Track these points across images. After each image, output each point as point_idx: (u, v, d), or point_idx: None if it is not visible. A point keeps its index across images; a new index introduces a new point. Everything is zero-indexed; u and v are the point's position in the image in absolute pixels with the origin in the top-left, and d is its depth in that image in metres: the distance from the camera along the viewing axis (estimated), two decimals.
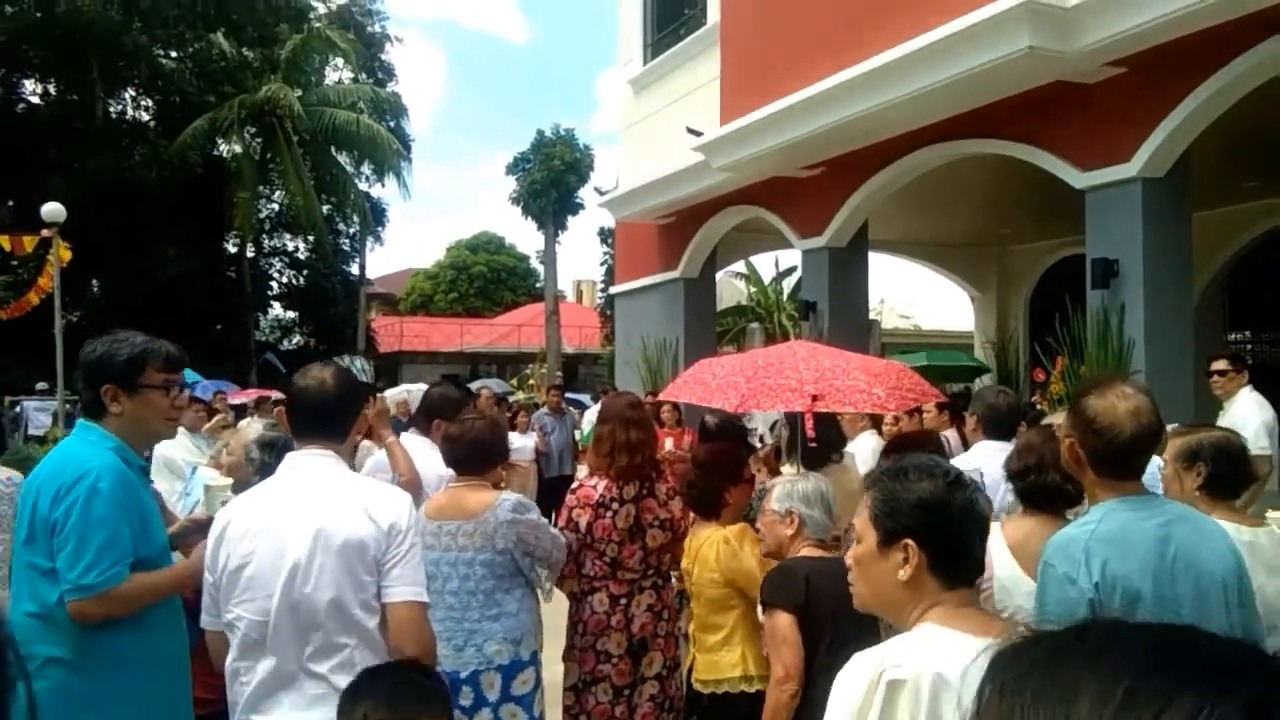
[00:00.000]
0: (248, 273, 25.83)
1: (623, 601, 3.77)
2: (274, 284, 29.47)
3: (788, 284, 23.04)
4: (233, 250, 26.39)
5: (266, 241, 28.83)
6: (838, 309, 10.04)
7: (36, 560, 2.49)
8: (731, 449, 4.05)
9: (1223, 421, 5.69)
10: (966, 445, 4.98)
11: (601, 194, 14.89)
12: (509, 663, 3.45)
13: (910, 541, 1.70)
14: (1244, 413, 5.66)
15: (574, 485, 4.03)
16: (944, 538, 1.72)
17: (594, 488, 3.84)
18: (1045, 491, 2.96)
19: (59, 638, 2.44)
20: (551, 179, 31.07)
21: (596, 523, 3.77)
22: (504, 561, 3.44)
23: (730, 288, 24.06)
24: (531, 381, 25.40)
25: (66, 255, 12.64)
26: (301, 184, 23.83)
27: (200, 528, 2.76)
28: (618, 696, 3.74)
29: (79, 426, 2.70)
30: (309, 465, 2.42)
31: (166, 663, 2.62)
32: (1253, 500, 5.00)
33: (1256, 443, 5.34)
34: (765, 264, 23.69)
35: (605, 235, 30.51)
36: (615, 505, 3.79)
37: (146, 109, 25.25)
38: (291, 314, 30.73)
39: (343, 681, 2.20)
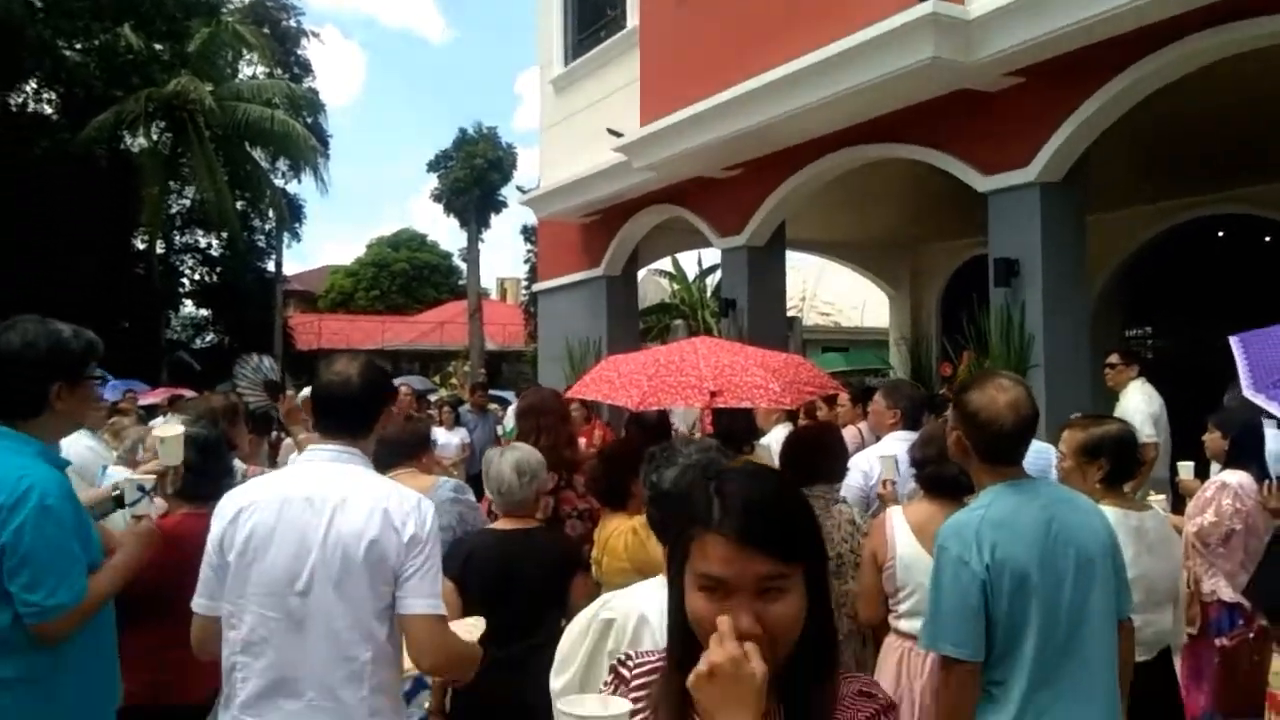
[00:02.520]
0: (157, 270, 25.04)
1: None
2: (186, 281, 28.61)
3: (710, 281, 23.32)
4: (141, 247, 25.55)
5: (178, 238, 27.96)
6: (757, 306, 10.26)
7: None
8: (635, 441, 4.16)
9: (1116, 411, 6.06)
10: (878, 437, 5.20)
11: (524, 192, 14.90)
12: None
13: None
14: (1133, 404, 6.03)
15: None
16: None
17: None
18: (944, 479, 3.16)
19: (16, 659, 2.32)
20: (474, 177, 30.87)
21: None
22: (446, 540, 3.52)
23: (654, 285, 24.27)
24: (454, 380, 25.23)
25: None
26: (214, 180, 23.20)
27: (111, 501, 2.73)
28: None
29: None
30: (333, 465, 2.33)
31: (106, 654, 2.58)
32: (1138, 486, 5.34)
33: (1144, 431, 5.71)
34: (689, 262, 23.94)
35: (528, 233, 30.47)
36: None
37: (49, 102, 24.27)
38: (205, 311, 29.89)
39: (349, 695, 2.18)
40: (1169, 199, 11.43)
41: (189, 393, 11.27)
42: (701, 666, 1.17)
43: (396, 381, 4.99)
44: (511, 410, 11.36)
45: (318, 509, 2.23)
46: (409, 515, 2.26)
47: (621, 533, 3.52)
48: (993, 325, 7.25)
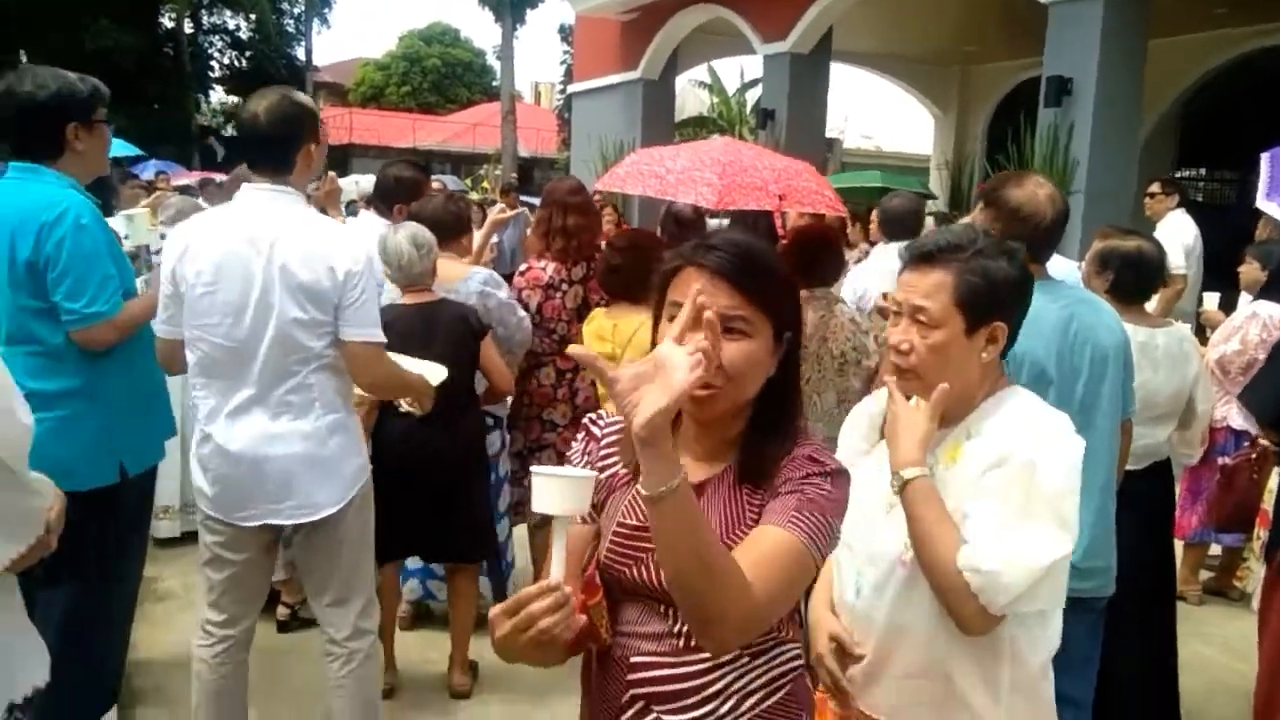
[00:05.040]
0: (186, 50, 24.52)
1: (568, 376, 3.97)
2: (215, 65, 28.06)
3: (750, 96, 22.56)
4: (169, 25, 24.92)
5: (205, 18, 27.22)
6: (796, 118, 9.99)
7: (29, 302, 2.55)
8: (650, 234, 4.09)
9: None
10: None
11: None
12: None
13: (1001, 323, 1.67)
14: (1166, 233, 5.92)
15: (523, 268, 4.14)
16: (1019, 317, 1.72)
17: (543, 270, 3.96)
18: None
19: (69, 370, 2.59)
20: None
21: (546, 303, 3.91)
22: None
23: (693, 97, 23.50)
24: (485, 183, 25.01)
25: None
26: None
27: None
28: (561, 462, 3.99)
29: (21, 169, 2.63)
30: (271, 201, 2.46)
31: (153, 378, 2.83)
32: (1166, 311, 5.33)
33: (1174, 262, 5.63)
34: (729, 74, 23.10)
35: (565, 33, 29.27)
36: (564, 286, 3.93)
37: None
38: (234, 99, 29.46)
39: (296, 399, 2.45)
40: (1238, 25, 10.76)
41: (220, 176, 11.29)
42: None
43: (432, 179, 4.94)
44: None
45: (259, 248, 2.38)
46: (344, 252, 2.42)
47: (649, 326, 3.48)
48: (1037, 147, 7.05)
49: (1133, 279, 3.32)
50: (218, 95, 29.37)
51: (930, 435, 1.66)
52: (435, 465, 3.28)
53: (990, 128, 14.74)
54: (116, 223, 3.69)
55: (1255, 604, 3.25)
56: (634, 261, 3.50)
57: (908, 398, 1.71)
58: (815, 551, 1.27)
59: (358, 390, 2.66)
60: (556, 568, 1.16)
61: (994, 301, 1.66)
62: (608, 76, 13.20)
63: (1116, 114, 6.92)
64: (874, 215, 4.69)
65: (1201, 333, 4.94)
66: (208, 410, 2.49)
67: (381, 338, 2.52)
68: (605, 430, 1.49)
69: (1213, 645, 4.07)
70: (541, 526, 3.81)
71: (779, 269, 1.36)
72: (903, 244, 4.30)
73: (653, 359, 1.14)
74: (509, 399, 3.87)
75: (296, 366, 2.44)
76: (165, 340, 2.54)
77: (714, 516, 1.33)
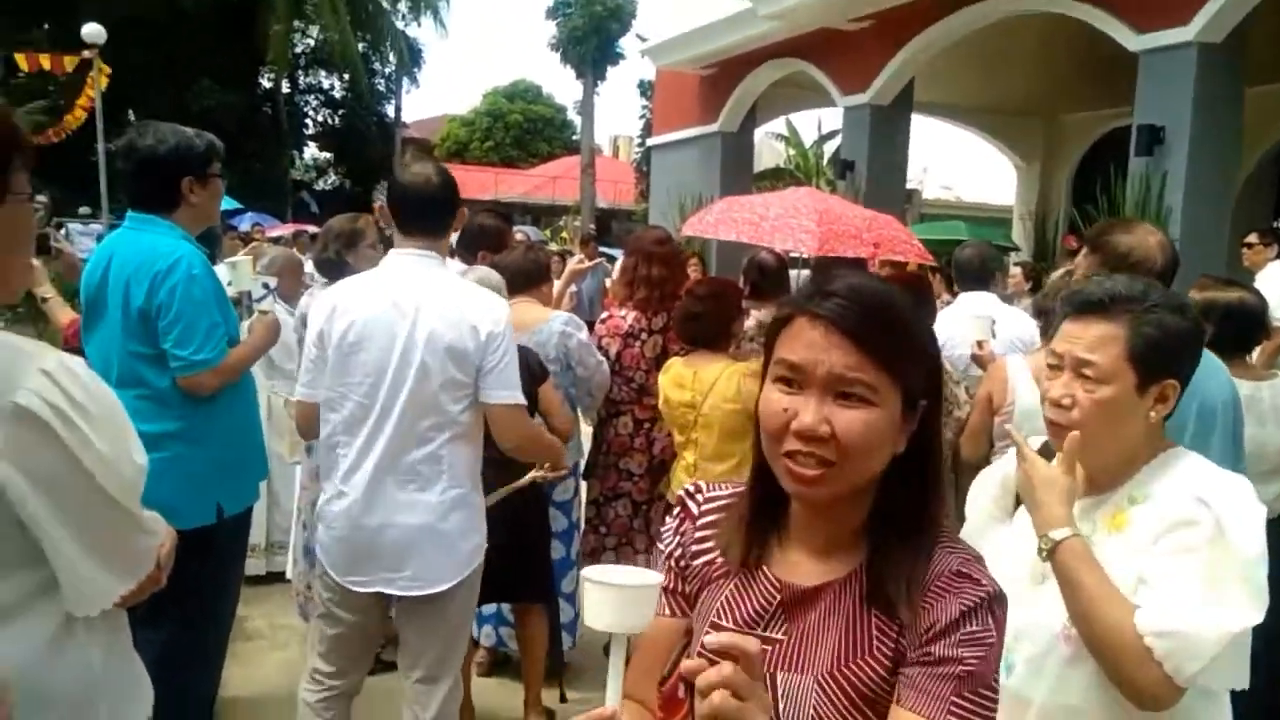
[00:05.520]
0: (283, 109, 25.68)
1: (646, 425, 3.98)
2: (309, 122, 29.29)
3: (828, 148, 22.59)
4: (268, 85, 26.15)
5: (302, 78, 28.52)
6: (876, 169, 9.95)
7: (140, 348, 2.66)
8: (730, 282, 4.04)
9: None
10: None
11: (643, 40, 14.55)
12: None
13: (1173, 381, 1.58)
14: (1267, 284, 5.71)
15: (604, 316, 4.20)
16: (1190, 374, 1.62)
17: (623, 318, 4.00)
18: None
19: (173, 414, 2.69)
20: (593, 25, 30.12)
21: (625, 351, 3.95)
22: (555, 371, 3.64)
23: (770, 149, 23.62)
24: (564, 234, 25.43)
25: (106, 78, 12.65)
26: (337, 19, 23.38)
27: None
28: (636, 511, 4.01)
29: (137, 220, 2.74)
30: (416, 264, 2.52)
31: (250, 421, 2.95)
32: (1269, 364, 5.12)
33: (1276, 313, 5.42)
34: (806, 127, 23.17)
35: (645, 89, 29.76)
36: (644, 335, 3.96)
37: None
38: (326, 154, 30.65)
39: (426, 469, 2.48)
40: None
41: (312, 228, 11.73)
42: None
43: (514, 229, 5.05)
44: (620, 263, 11.48)
45: (403, 310, 2.44)
46: (485, 314, 2.47)
47: (732, 374, 3.43)
48: (1129, 196, 6.89)
49: (1234, 331, 3.22)
50: (310, 151, 30.56)
51: (1073, 491, 1.54)
52: (497, 507, 3.27)
53: (1075, 178, 14.47)
54: (220, 270, 3.86)
55: None
56: (714, 310, 3.50)
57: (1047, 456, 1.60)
58: None
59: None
60: (612, 694, 0.98)
61: (1170, 357, 1.57)
62: (686, 130, 13.37)
63: (1211, 162, 6.74)
64: (950, 265, 4.65)
65: None
66: (344, 469, 2.53)
67: (523, 400, 2.55)
68: (704, 507, 1.25)
69: None
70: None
71: (913, 323, 1.10)
72: (982, 294, 4.27)
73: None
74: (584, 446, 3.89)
75: (431, 434, 2.47)
76: (305, 403, 2.61)
77: (831, 638, 1.10)
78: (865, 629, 1.09)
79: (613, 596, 0.97)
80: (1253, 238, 6.29)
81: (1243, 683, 1.51)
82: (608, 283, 11.66)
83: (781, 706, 1.09)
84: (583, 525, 4.05)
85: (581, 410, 3.96)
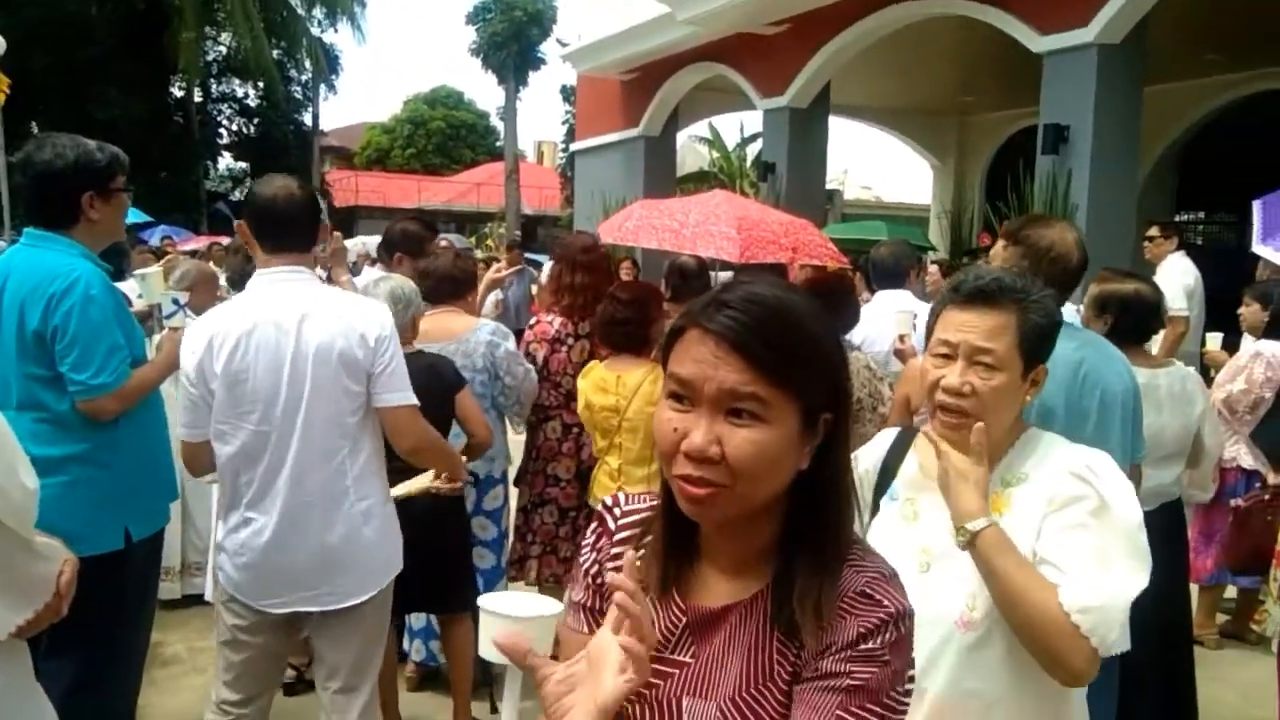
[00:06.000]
0: (195, 119, 24.98)
1: (575, 430, 3.97)
2: (224, 132, 28.53)
3: (751, 151, 22.83)
4: (179, 94, 25.42)
5: (215, 87, 27.73)
6: (797, 171, 10.11)
7: (37, 371, 2.56)
8: (652, 286, 4.07)
9: None
10: None
11: (564, 45, 14.55)
12: (482, 478, 3.68)
13: (1044, 366, 1.66)
14: (1166, 275, 5.96)
15: (531, 322, 4.20)
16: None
17: (550, 324, 4.00)
18: None
19: (75, 437, 2.58)
20: (513, 30, 30.05)
21: (552, 356, 3.95)
22: (482, 381, 3.63)
23: (693, 152, 23.79)
24: (489, 241, 25.26)
25: (6, 89, 12.14)
26: (250, 25, 22.82)
27: None
28: (562, 518, 3.99)
29: (34, 237, 2.64)
30: (288, 282, 2.46)
31: (159, 442, 2.84)
32: (1170, 353, 5.33)
33: (1175, 304, 5.65)
34: (729, 130, 23.41)
35: (568, 94, 29.80)
36: (570, 340, 3.96)
37: None
38: (242, 164, 29.89)
39: (336, 485, 2.44)
40: (1233, 70, 10.91)
41: (227, 239, 11.44)
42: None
43: (439, 237, 4.99)
44: (548, 268, 11.46)
45: (285, 329, 2.39)
46: (370, 320, 2.46)
47: (656, 378, 3.44)
48: (1037, 194, 7.12)
49: (1131, 322, 3.34)
50: (225, 161, 29.81)
51: (985, 482, 1.57)
52: (414, 517, 3.21)
53: (988, 176, 14.90)
54: (129, 284, 3.74)
55: (1276, 646, 3.20)
56: (636, 315, 3.52)
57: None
58: None
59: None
60: None
61: (1048, 345, 1.64)
62: (610, 134, 13.40)
63: (1114, 159, 7.00)
64: (866, 265, 4.75)
65: (1206, 373, 4.93)
66: (248, 497, 2.46)
67: (415, 400, 2.53)
68: (620, 522, 1.21)
69: (1231, 690, 4.00)
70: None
71: (814, 332, 1.04)
72: (899, 291, 4.36)
73: (587, 654, 0.96)
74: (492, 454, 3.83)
75: (333, 448, 2.44)
76: (189, 444, 2.51)
77: (735, 660, 1.07)
78: (768, 653, 1.06)
79: (506, 628, 0.96)
80: (1153, 231, 6.53)
81: (1126, 645, 1.58)
82: (534, 289, 11.64)
83: None
84: (511, 534, 4.02)
85: (510, 419, 3.94)
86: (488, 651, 0.96)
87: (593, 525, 1.25)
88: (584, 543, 1.26)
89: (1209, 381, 4.58)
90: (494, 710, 3.68)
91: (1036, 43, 7.26)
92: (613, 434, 3.49)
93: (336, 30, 26.80)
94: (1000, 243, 2.58)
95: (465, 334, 3.63)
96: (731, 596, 1.09)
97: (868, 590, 1.04)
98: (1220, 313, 6.11)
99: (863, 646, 1.01)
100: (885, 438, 1.79)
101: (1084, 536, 1.52)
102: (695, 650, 1.09)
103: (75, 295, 2.51)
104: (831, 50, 9.33)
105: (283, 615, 2.51)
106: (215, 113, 27.99)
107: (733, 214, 4.44)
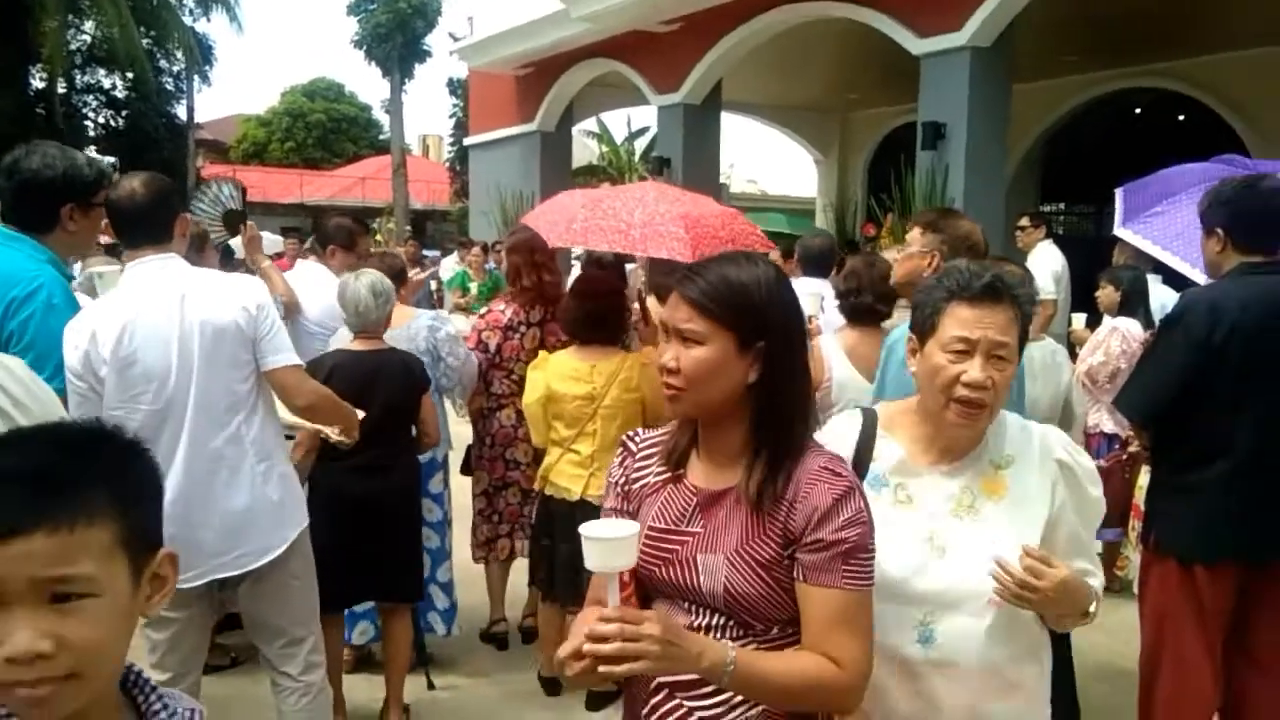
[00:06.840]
0: (59, 111, 23.72)
1: None
2: (90, 124, 27.16)
3: (640, 144, 23.13)
4: (41, 85, 24.10)
5: (80, 78, 26.36)
6: (691, 166, 10.40)
7: None
8: (615, 282, 4.18)
9: None
10: None
11: (455, 39, 14.50)
12: (426, 460, 3.78)
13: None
14: (1036, 262, 6.47)
15: (483, 310, 4.38)
16: None
17: (502, 312, 4.12)
18: (864, 309, 3.51)
19: None
20: (397, 22, 29.50)
21: (505, 344, 4.07)
22: (426, 364, 3.73)
23: (582, 146, 23.92)
24: (379, 236, 24.81)
25: None
26: (118, 13, 21.78)
27: None
28: (526, 499, 4.14)
29: (5, 235, 2.60)
30: (160, 267, 2.55)
31: None
32: (1041, 330, 5.82)
33: (1044, 288, 6.16)
34: (617, 125, 23.65)
35: (455, 87, 29.51)
36: (523, 328, 4.10)
37: None
38: (111, 159, 28.51)
39: (230, 451, 2.55)
40: (1088, 71, 11.74)
41: (105, 238, 11.02)
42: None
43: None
44: (445, 262, 11.47)
45: (167, 310, 2.50)
46: (248, 290, 2.59)
47: (633, 365, 3.60)
48: (917, 188, 7.58)
49: None
50: (92, 154, 28.35)
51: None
52: (373, 510, 3.34)
53: (870, 170, 15.55)
54: (84, 282, 3.73)
55: (1136, 589, 3.59)
56: (608, 307, 3.69)
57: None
58: (871, 587, 1.42)
59: (289, 420, 2.76)
60: (612, 605, 1.28)
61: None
62: (505, 129, 13.46)
63: (985, 154, 7.52)
64: (796, 251, 5.08)
65: (1072, 350, 5.41)
66: None
67: (299, 360, 2.65)
68: (640, 446, 1.62)
69: (1100, 632, 4.41)
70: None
71: (746, 286, 1.44)
72: (821, 281, 4.64)
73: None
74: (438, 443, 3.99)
75: (227, 417, 2.55)
76: None
77: (735, 525, 1.45)
78: (759, 519, 1.44)
79: (600, 546, 1.26)
80: (1023, 221, 7.04)
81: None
82: (432, 284, 11.62)
83: (701, 580, 1.45)
84: (471, 515, 4.18)
85: (453, 402, 4.09)
86: (594, 564, 1.28)
87: (617, 451, 1.65)
88: (611, 465, 1.66)
89: (1075, 358, 5.05)
90: (431, 687, 3.82)
91: (915, 45, 7.72)
92: (584, 421, 3.57)
93: (209, 19, 25.81)
94: (916, 230, 2.86)
95: (407, 321, 3.79)
96: (727, 481, 1.48)
97: (829, 466, 1.44)
98: (1079, 295, 6.68)
99: (847, 514, 1.40)
100: (850, 425, 1.81)
101: (1083, 515, 1.74)
102: (704, 522, 1.49)
103: (37, 302, 2.50)
104: (723, 49, 9.66)
105: (202, 586, 2.58)
106: (81, 105, 26.62)
107: (675, 213, 4.41)
